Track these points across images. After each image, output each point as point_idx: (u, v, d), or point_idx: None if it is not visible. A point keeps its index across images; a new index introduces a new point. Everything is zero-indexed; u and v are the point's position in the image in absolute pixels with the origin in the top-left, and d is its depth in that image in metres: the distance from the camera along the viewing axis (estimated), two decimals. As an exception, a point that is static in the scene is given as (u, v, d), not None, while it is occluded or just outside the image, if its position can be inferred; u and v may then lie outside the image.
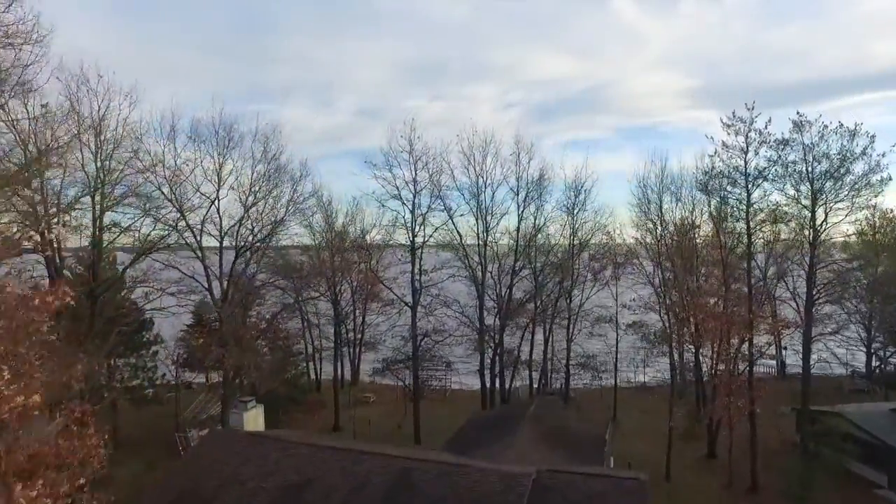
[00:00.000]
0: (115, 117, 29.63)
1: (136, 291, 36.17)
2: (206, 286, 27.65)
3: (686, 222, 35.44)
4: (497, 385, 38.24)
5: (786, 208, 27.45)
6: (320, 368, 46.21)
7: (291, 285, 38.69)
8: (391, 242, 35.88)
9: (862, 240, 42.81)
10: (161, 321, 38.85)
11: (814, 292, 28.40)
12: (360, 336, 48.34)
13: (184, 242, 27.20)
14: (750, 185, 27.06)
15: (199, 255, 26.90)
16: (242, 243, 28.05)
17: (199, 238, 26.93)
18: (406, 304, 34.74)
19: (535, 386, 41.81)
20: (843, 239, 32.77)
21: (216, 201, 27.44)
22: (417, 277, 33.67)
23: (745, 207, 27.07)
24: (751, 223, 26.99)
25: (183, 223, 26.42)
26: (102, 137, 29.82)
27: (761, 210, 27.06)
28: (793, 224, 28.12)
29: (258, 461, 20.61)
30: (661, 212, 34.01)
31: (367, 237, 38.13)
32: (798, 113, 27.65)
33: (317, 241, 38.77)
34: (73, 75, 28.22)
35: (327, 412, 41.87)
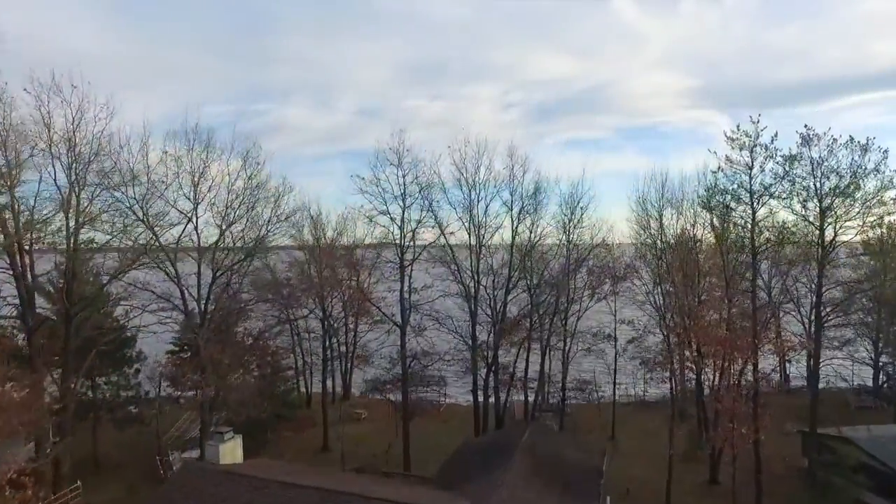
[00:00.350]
0: (89, 129, 28.34)
1: (119, 308, 34.97)
2: (183, 309, 26.31)
3: (687, 234, 34.06)
4: (493, 399, 36.97)
5: (793, 228, 26.01)
6: (311, 383, 44.94)
7: (280, 300, 37.45)
8: (379, 261, 34.48)
9: (868, 249, 41.36)
10: (147, 336, 37.63)
11: (822, 314, 26.97)
12: (351, 349, 47.05)
13: (155, 266, 25.78)
14: (755, 203, 25.68)
15: (174, 273, 25.50)
16: (219, 266, 26.62)
17: (173, 259, 25.55)
18: (395, 323, 33.40)
19: (532, 401, 40.47)
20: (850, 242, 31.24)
21: (194, 219, 26.08)
22: (407, 296, 32.28)
23: (749, 226, 25.68)
24: (756, 242, 25.60)
25: (156, 243, 25.00)
26: (78, 150, 28.54)
27: (767, 229, 25.65)
28: (800, 242, 26.69)
29: (230, 502, 19.50)
30: (662, 228, 32.68)
31: (356, 252, 36.71)
32: (806, 126, 26.27)
33: (305, 256, 37.46)
34: (45, 86, 26.93)
35: (317, 430, 40.64)
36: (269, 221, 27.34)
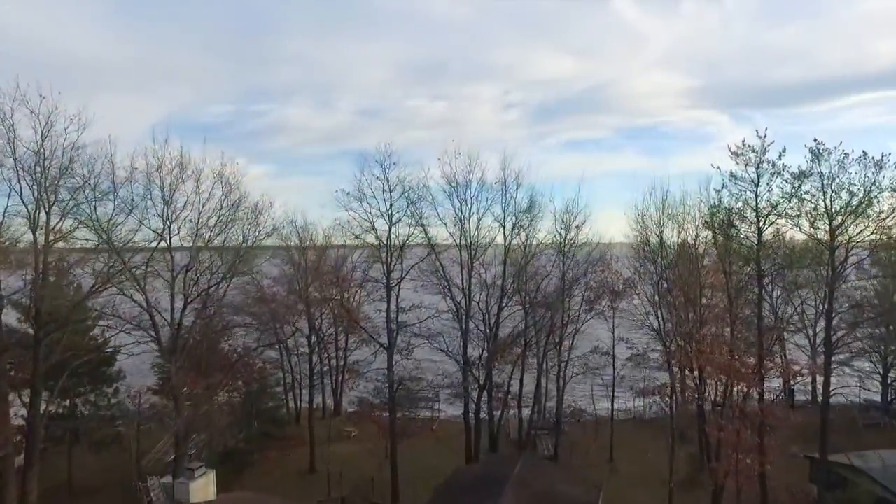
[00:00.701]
0: (59, 143, 26.81)
1: (97, 328, 33.53)
2: (154, 335, 24.85)
3: (688, 249, 32.43)
4: (487, 414, 35.55)
5: (802, 249, 24.46)
6: (300, 398, 43.48)
7: (264, 319, 35.97)
8: (366, 280, 32.95)
9: (878, 261, 39.73)
10: (127, 356, 36.17)
11: (833, 339, 25.40)
12: (342, 363, 45.57)
13: (120, 293, 24.30)
14: (762, 223, 24.12)
15: (142, 300, 24.03)
16: (190, 293, 25.11)
17: (142, 284, 24.07)
18: (381, 345, 31.94)
19: (528, 418, 39.03)
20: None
21: (167, 239, 24.57)
22: (394, 316, 30.79)
23: (755, 247, 24.14)
24: (762, 265, 24.06)
25: (120, 268, 23.47)
26: (47, 164, 27.03)
27: (774, 251, 24.10)
28: (810, 265, 25.13)
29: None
30: (662, 246, 31.06)
31: (344, 269, 35.19)
32: (816, 140, 24.66)
33: (292, 271, 35.96)
34: (9, 95, 25.39)
35: (305, 450, 39.16)
36: (245, 241, 25.81)
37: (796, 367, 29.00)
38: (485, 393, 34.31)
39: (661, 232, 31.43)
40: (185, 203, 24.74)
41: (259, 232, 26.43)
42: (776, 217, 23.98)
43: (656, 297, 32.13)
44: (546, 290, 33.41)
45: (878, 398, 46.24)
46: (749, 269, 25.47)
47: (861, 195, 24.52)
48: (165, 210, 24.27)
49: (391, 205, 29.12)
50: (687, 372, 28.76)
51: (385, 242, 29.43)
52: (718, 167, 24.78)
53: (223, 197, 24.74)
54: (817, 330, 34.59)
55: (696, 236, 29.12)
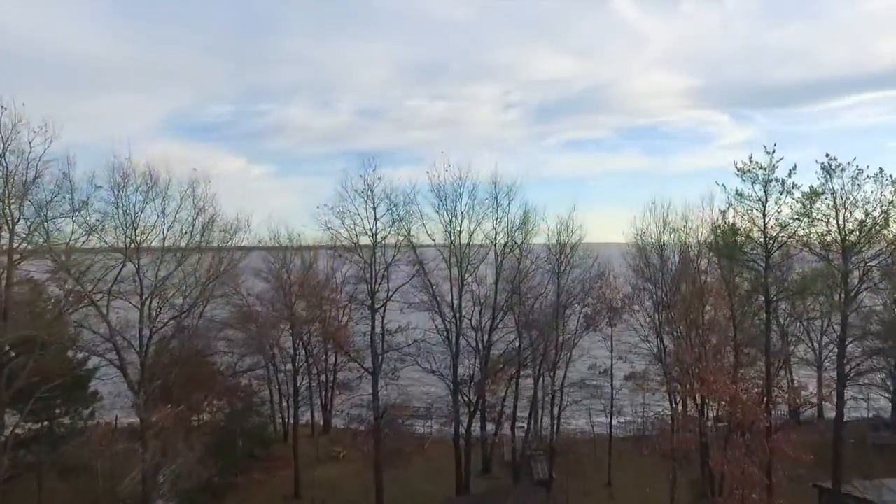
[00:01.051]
0: (24, 157, 25.18)
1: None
2: (119, 365, 23.27)
3: (689, 266, 30.75)
4: (480, 436, 34.02)
5: (813, 275, 22.78)
6: (289, 416, 41.88)
7: (252, 331, 34.42)
8: (352, 300, 31.36)
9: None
10: (101, 378, 34.55)
11: (846, 370, 23.71)
12: (332, 378, 43.97)
13: (78, 325, 22.74)
14: (770, 245, 22.44)
15: (106, 327, 22.43)
16: (154, 323, 23.48)
17: (104, 313, 22.47)
18: (366, 369, 30.40)
19: (523, 439, 37.42)
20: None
21: (134, 263, 22.91)
22: (379, 340, 29.19)
23: (763, 272, 22.46)
24: (770, 290, 22.39)
25: (77, 298, 21.92)
26: (10, 181, 25.41)
27: (783, 277, 22.44)
28: (821, 290, 23.42)
29: None
30: (663, 269, 29.40)
31: (331, 283, 33.54)
32: (828, 155, 23.01)
33: (274, 284, 34.33)
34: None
35: (292, 471, 37.58)
36: (221, 262, 24.19)
37: (804, 394, 27.32)
38: (479, 414, 32.79)
39: (662, 250, 29.77)
40: (154, 224, 23.12)
41: (233, 256, 24.78)
42: (786, 238, 22.28)
43: (656, 317, 30.53)
44: (541, 307, 31.80)
45: (885, 414, 44.54)
46: (755, 297, 23.78)
47: (877, 214, 22.94)
48: (131, 232, 22.64)
49: (375, 220, 27.54)
50: (689, 400, 27.16)
51: (369, 262, 27.81)
52: (723, 185, 23.12)
53: (195, 216, 23.10)
54: (828, 352, 32.84)
55: (699, 254, 27.33)
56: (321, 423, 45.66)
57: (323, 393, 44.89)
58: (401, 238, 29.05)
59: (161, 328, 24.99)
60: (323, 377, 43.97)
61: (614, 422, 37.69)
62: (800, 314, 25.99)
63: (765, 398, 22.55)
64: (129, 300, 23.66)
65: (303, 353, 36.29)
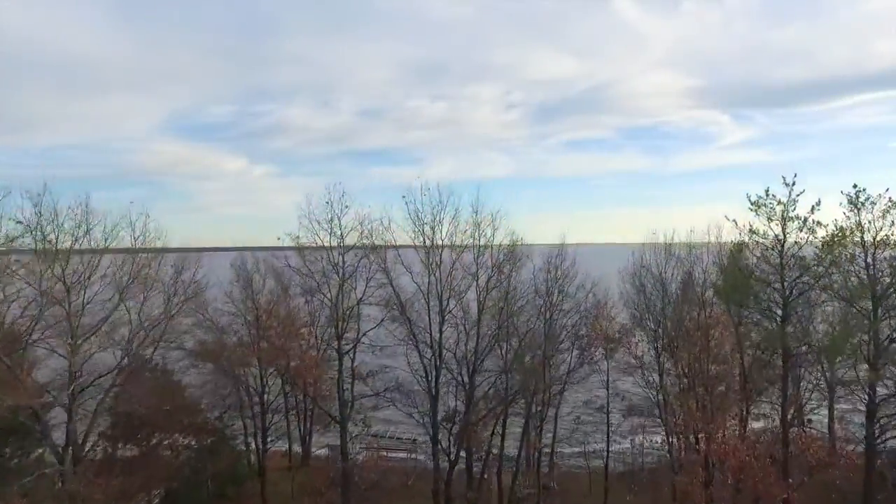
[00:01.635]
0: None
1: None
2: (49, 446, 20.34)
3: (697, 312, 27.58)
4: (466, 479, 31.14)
5: (838, 327, 19.72)
6: (264, 448, 39.14)
7: (220, 366, 31.53)
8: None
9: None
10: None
11: (875, 430, 20.70)
12: (310, 407, 41.00)
13: None
14: (789, 292, 19.41)
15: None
16: (78, 381, 20.51)
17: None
18: (333, 418, 27.52)
19: (512, 480, 34.61)
20: None
21: (64, 308, 20.03)
22: (347, 387, 26.32)
23: (779, 323, 19.45)
24: (789, 347, 19.40)
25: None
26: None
27: (804, 329, 19.42)
28: (848, 347, 20.31)
29: None
30: (665, 319, 26.33)
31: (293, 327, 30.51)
32: (855, 186, 19.95)
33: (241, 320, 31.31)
34: None
35: (265, 509, 34.87)
36: (166, 309, 21.21)
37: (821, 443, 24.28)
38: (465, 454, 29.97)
39: (665, 289, 26.70)
40: (86, 269, 20.15)
41: (181, 298, 21.88)
42: (807, 286, 19.25)
43: (656, 370, 27.56)
44: (531, 343, 28.76)
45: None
46: (770, 354, 20.78)
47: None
48: (57, 274, 19.70)
49: (343, 256, 24.52)
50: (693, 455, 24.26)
51: (334, 301, 24.85)
52: (734, 220, 20.09)
53: (133, 264, 20.08)
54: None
55: (703, 299, 23.90)
56: (300, 452, 42.83)
57: (300, 423, 42.03)
58: (373, 269, 26.06)
59: (101, 377, 22.09)
60: (303, 405, 41.08)
61: (611, 458, 34.85)
62: (830, 381, 22.87)
63: (783, 467, 19.55)
64: (57, 351, 20.78)
65: (272, 388, 33.43)
